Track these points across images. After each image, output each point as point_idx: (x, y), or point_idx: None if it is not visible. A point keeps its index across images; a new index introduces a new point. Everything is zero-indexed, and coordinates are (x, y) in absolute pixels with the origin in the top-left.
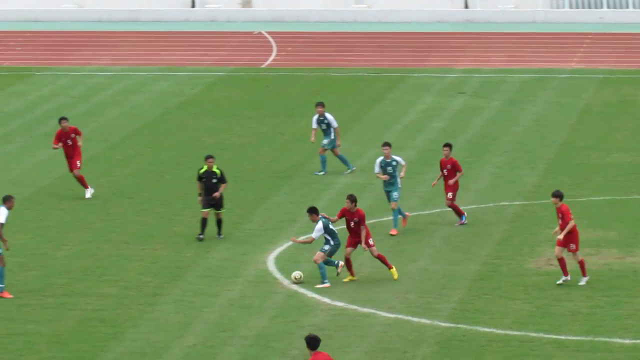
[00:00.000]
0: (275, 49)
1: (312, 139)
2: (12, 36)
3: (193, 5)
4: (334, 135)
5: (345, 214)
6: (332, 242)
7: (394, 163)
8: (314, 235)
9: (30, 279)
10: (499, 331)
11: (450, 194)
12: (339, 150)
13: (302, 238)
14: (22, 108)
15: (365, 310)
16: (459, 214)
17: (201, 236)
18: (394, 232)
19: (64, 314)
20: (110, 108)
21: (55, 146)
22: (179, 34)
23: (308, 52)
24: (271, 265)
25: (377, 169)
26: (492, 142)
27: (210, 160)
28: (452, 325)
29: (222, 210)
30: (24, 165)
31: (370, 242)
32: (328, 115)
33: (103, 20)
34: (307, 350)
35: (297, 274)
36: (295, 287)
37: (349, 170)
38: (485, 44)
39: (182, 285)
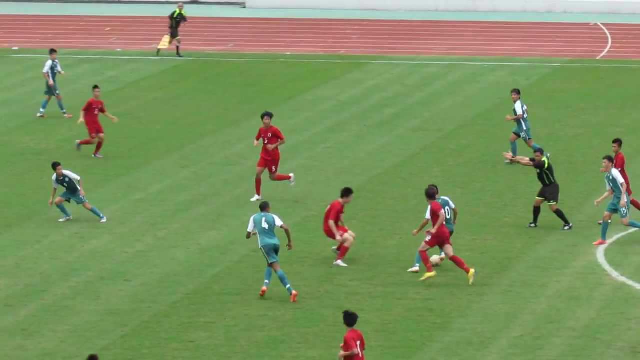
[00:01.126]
0: (610, 40)
1: (509, 117)
2: (349, 25)
3: None
4: (527, 125)
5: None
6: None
7: (610, 177)
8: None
9: (360, 267)
10: None
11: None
12: (532, 142)
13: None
14: (357, 96)
15: None
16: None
17: (532, 225)
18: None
19: (393, 303)
20: (445, 98)
21: (257, 142)
22: (515, 25)
23: None
24: (600, 257)
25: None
26: None
27: (537, 154)
28: None
29: (553, 202)
30: (357, 153)
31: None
32: (517, 103)
33: (439, 10)
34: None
35: (436, 258)
36: (623, 279)
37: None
38: None
39: (510, 275)
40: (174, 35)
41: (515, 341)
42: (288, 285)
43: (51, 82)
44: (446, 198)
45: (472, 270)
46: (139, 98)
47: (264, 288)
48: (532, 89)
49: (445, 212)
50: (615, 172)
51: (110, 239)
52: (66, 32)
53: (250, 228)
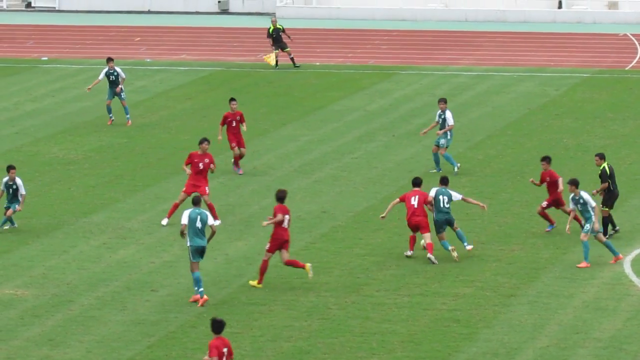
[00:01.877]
0: (639, 51)
1: (423, 131)
2: (378, 35)
3: (560, 7)
4: (450, 135)
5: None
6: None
7: (581, 201)
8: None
9: (387, 277)
10: None
11: (545, 203)
12: (444, 151)
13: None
14: (385, 107)
15: None
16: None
17: (615, 229)
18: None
19: (419, 314)
20: (473, 108)
21: (185, 167)
22: (544, 35)
23: None
24: (627, 268)
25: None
26: None
27: (597, 158)
28: None
29: (605, 208)
30: (386, 163)
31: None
32: (447, 113)
33: (469, 20)
34: None
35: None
36: None
37: (434, 170)
38: None
39: (537, 286)
40: (279, 48)
41: (541, 352)
42: (201, 289)
43: (97, 83)
44: (447, 189)
45: (308, 265)
46: (167, 108)
47: (205, 297)
48: (561, 99)
49: (441, 200)
50: (585, 196)
51: (137, 249)
52: (95, 42)
53: (184, 221)
